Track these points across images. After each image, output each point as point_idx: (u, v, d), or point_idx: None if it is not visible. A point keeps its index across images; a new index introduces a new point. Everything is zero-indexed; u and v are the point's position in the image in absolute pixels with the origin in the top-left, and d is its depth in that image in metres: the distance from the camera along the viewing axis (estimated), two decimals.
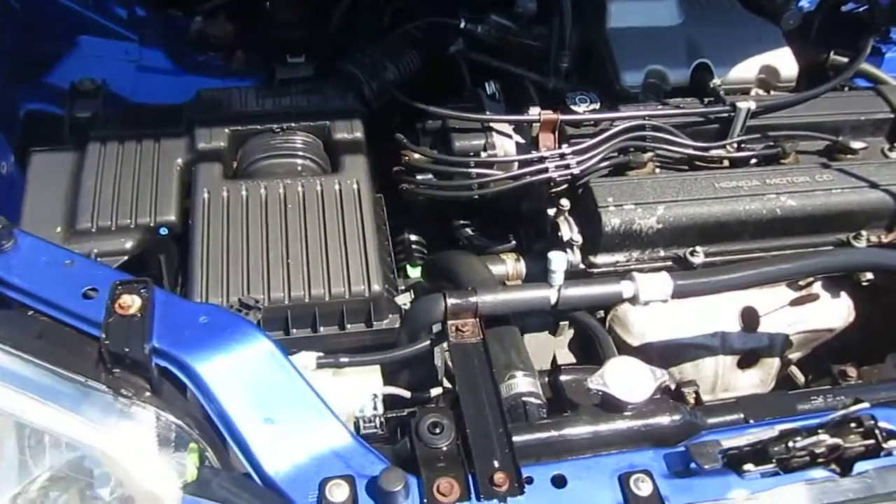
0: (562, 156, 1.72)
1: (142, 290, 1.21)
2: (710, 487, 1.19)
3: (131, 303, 1.19)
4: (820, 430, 1.21)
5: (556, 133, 1.76)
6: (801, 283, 1.90)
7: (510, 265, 1.79)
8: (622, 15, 1.95)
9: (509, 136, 1.79)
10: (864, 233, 1.79)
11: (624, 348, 1.82)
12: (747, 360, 1.91)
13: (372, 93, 1.86)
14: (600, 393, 1.29)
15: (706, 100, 1.89)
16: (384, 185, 1.85)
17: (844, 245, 1.80)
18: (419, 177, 1.77)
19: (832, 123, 1.93)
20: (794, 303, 1.80)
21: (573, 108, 1.82)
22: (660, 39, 1.95)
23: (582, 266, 1.71)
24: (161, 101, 1.79)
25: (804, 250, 1.71)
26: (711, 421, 1.36)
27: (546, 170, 1.71)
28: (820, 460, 1.24)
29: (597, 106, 1.84)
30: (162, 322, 1.21)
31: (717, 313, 1.82)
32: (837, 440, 1.22)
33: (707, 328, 1.81)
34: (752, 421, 1.37)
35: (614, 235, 1.67)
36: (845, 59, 2.11)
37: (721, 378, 1.88)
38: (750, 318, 1.85)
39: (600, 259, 1.70)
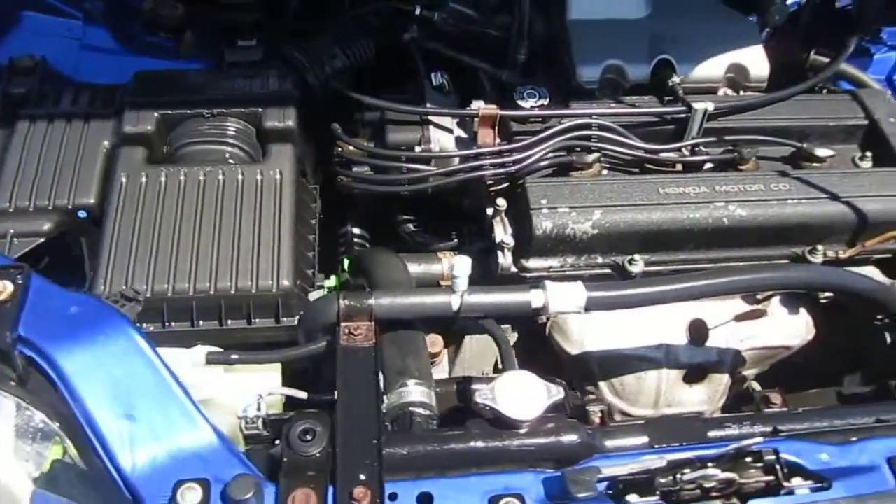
0: (499, 153, 1.65)
1: (17, 277, 1.19)
2: None
3: (3, 289, 1.17)
4: (710, 464, 1.13)
5: (496, 129, 1.68)
6: (759, 297, 1.81)
7: (446, 264, 1.73)
8: (584, 5, 1.86)
9: (450, 131, 1.73)
10: (820, 248, 1.69)
11: (563, 356, 1.76)
12: (694, 375, 1.82)
13: (317, 80, 1.81)
14: (488, 408, 1.23)
15: (665, 99, 1.80)
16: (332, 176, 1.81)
17: (799, 259, 1.70)
18: (355, 169, 1.72)
19: (800, 128, 1.82)
20: (743, 317, 1.71)
21: (520, 102, 1.75)
22: (622, 33, 1.85)
23: (514, 269, 1.64)
24: (105, 81, 1.77)
25: (740, 264, 1.61)
26: (612, 443, 1.29)
27: (481, 167, 1.64)
28: (714, 495, 1.16)
29: (545, 101, 1.76)
30: (33, 310, 1.18)
31: (662, 324, 1.74)
32: (731, 475, 1.14)
33: (651, 339, 1.73)
34: (655, 445, 1.29)
35: (546, 239, 1.60)
36: (827, 59, 1.98)
37: (665, 393, 1.80)
38: (698, 331, 1.76)
39: (533, 263, 1.63)
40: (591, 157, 1.68)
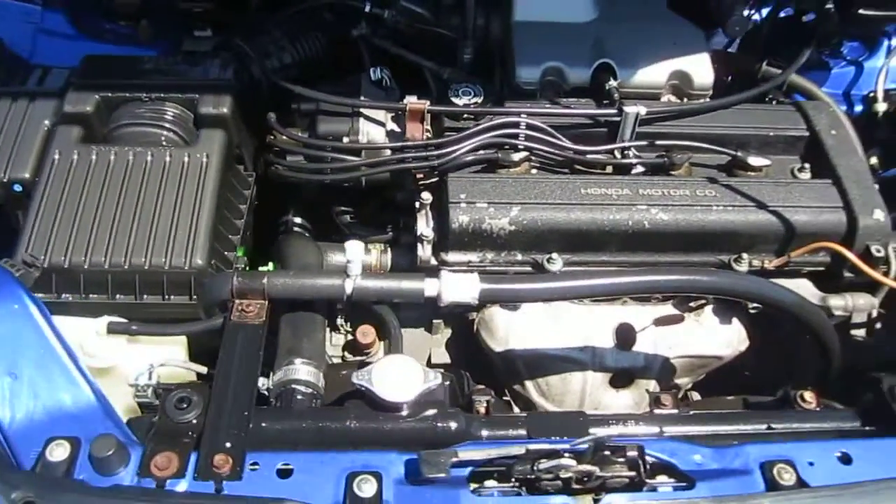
0: (424, 147, 1.67)
1: None
2: (438, 498, 1.14)
3: None
4: (566, 455, 1.14)
5: (424, 124, 1.71)
6: (693, 304, 1.80)
7: (375, 255, 1.75)
8: (529, 8, 1.88)
9: (381, 124, 1.76)
10: (746, 256, 1.68)
11: (489, 354, 1.77)
12: (621, 379, 1.82)
13: (262, 71, 1.85)
14: (364, 389, 1.25)
15: (604, 102, 1.80)
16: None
17: (725, 267, 1.69)
18: (289, 158, 1.76)
19: (739, 137, 1.81)
20: (663, 322, 1.70)
21: (454, 99, 1.78)
22: (565, 36, 1.87)
23: (434, 262, 1.66)
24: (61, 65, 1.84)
25: (649, 267, 1.61)
26: (489, 433, 1.30)
27: (405, 160, 1.67)
28: (576, 487, 1.17)
29: (479, 99, 1.78)
30: None
31: (589, 327, 1.74)
32: (590, 467, 1.15)
33: (577, 341, 1.73)
34: (533, 438, 1.30)
35: (462, 233, 1.61)
36: (778, 70, 1.97)
37: (589, 395, 1.80)
38: (625, 335, 1.76)
39: (452, 257, 1.64)
40: (517, 156, 1.69)
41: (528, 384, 1.80)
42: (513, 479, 1.14)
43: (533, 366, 1.76)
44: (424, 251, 1.64)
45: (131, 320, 1.43)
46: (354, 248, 1.34)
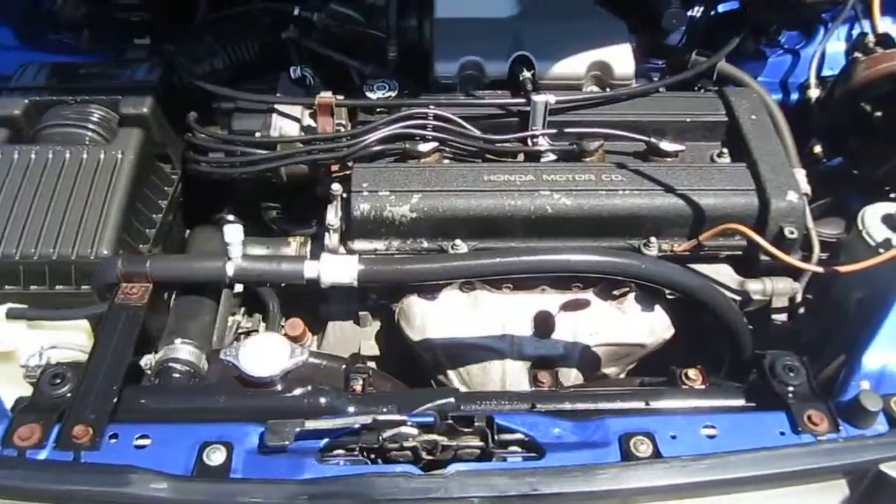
0: (332, 139, 1.71)
1: None
2: (285, 467, 1.15)
3: None
4: (410, 424, 1.15)
5: (333, 117, 1.75)
6: (616, 293, 1.79)
7: (294, 248, 1.79)
8: (449, 5, 1.92)
9: (297, 120, 1.80)
10: (654, 240, 1.66)
11: (408, 342, 1.79)
12: (541, 367, 1.81)
13: (191, 75, 1.92)
14: (231, 364, 1.28)
15: (521, 93, 1.82)
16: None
17: (634, 252, 1.68)
18: (211, 155, 1.81)
19: (656, 124, 1.80)
20: (567, 308, 1.69)
21: (368, 94, 1.82)
22: (484, 31, 1.90)
23: (342, 251, 1.69)
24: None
25: (535, 247, 1.60)
26: (358, 409, 1.30)
27: (313, 152, 1.71)
28: (427, 457, 1.18)
29: (392, 94, 1.82)
30: None
31: (507, 315, 1.74)
32: (434, 437, 1.16)
33: (495, 329, 1.74)
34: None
35: (365, 221, 1.64)
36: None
37: (510, 384, 1.79)
38: (543, 322, 1.75)
39: (358, 245, 1.67)
40: (425, 147, 1.71)
41: (451, 374, 1.80)
42: (359, 449, 1.15)
43: (452, 355, 1.77)
44: (331, 240, 1.67)
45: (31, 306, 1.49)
46: (233, 231, 1.37)
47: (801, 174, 1.77)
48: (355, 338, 1.89)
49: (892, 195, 1.88)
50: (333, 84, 1.91)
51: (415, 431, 1.13)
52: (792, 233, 1.64)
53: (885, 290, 1.45)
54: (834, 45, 2.05)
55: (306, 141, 1.72)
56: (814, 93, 1.97)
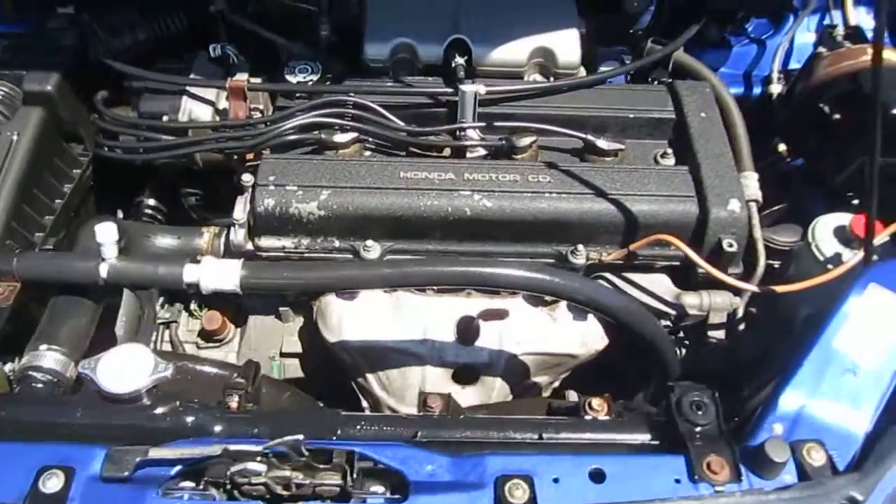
0: (243, 126, 1.59)
1: None
2: (125, 497, 1.06)
3: None
4: (259, 458, 1.05)
5: (247, 101, 1.63)
6: (548, 300, 1.68)
7: (206, 238, 1.69)
8: None
9: (211, 103, 1.68)
10: (581, 248, 1.54)
11: (325, 343, 1.69)
12: (464, 375, 1.71)
13: (108, 49, 1.80)
14: (89, 379, 1.19)
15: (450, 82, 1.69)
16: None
17: (562, 259, 1.56)
18: (122, 138, 1.70)
19: (597, 119, 1.67)
20: (488, 317, 1.58)
21: (289, 77, 1.69)
22: (421, 10, 1.76)
23: (250, 248, 1.58)
24: None
25: (443, 256, 1.49)
26: (225, 428, 1.21)
27: (221, 139, 1.60)
28: (283, 493, 1.08)
29: (315, 77, 1.69)
30: None
31: (428, 319, 1.64)
32: (286, 473, 1.06)
33: (415, 333, 1.63)
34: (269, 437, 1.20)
35: (270, 217, 1.53)
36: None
37: (430, 391, 1.69)
38: (465, 329, 1.64)
39: (264, 242, 1.56)
40: (342, 137, 1.59)
41: (370, 377, 1.70)
42: (205, 482, 1.05)
43: (370, 358, 1.67)
44: (237, 236, 1.56)
45: None
46: (105, 230, 1.27)
47: (752, 178, 1.63)
48: (277, 333, 1.80)
49: (854, 201, 1.74)
50: (262, 64, 1.80)
51: (262, 468, 1.03)
52: (731, 245, 1.52)
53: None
54: (804, 36, 1.89)
55: (214, 127, 1.60)
56: (776, 88, 1.83)
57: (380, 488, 1.09)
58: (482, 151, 1.62)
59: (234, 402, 1.27)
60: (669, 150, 1.64)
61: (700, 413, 1.17)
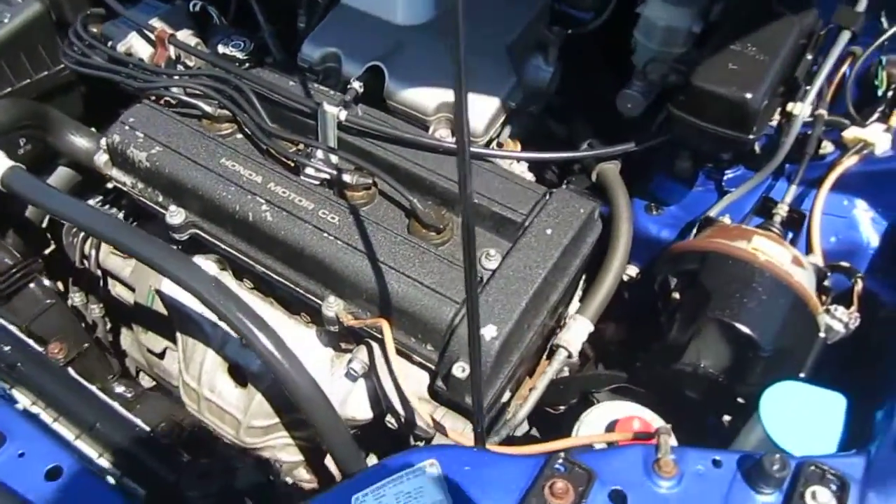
0: (142, 69, 1.73)
1: None
2: None
3: None
4: None
5: (167, 50, 1.75)
6: (343, 344, 1.61)
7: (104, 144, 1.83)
8: None
9: (153, 45, 1.82)
10: (334, 300, 1.44)
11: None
12: (240, 375, 1.70)
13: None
14: None
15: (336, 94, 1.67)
16: None
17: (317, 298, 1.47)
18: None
19: (446, 193, 1.53)
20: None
21: (220, 47, 1.79)
22: (368, 30, 1.74)
23: (107, 173, 1.71)
24: None
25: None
26: None
27: (120, 73, 1.74)
28: None
29: (240, 54, 1.78)
30: None
31: None
32: None
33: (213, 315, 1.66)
34: None
35: (114, 152, 1.65)
36: None
37: (206, 373, 1.73)
38: None
39: (115, 173, 1.68)
40: (212, 110, 1.64)
41: (178, 336, 1.77)
42: None
43: (177, 314, 1.73)
44: (99, 159, 1.70)
45: None
46: None
47: (578, 326, 1.42)
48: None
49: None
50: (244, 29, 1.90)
51: None
52: (463, 370, 1.32)
53: None
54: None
55: (127, 63, 1.75)
56: None
57: None
58: (316, 173, 1.57)
59: None
60: (496, 254, 1.45)
61: None
